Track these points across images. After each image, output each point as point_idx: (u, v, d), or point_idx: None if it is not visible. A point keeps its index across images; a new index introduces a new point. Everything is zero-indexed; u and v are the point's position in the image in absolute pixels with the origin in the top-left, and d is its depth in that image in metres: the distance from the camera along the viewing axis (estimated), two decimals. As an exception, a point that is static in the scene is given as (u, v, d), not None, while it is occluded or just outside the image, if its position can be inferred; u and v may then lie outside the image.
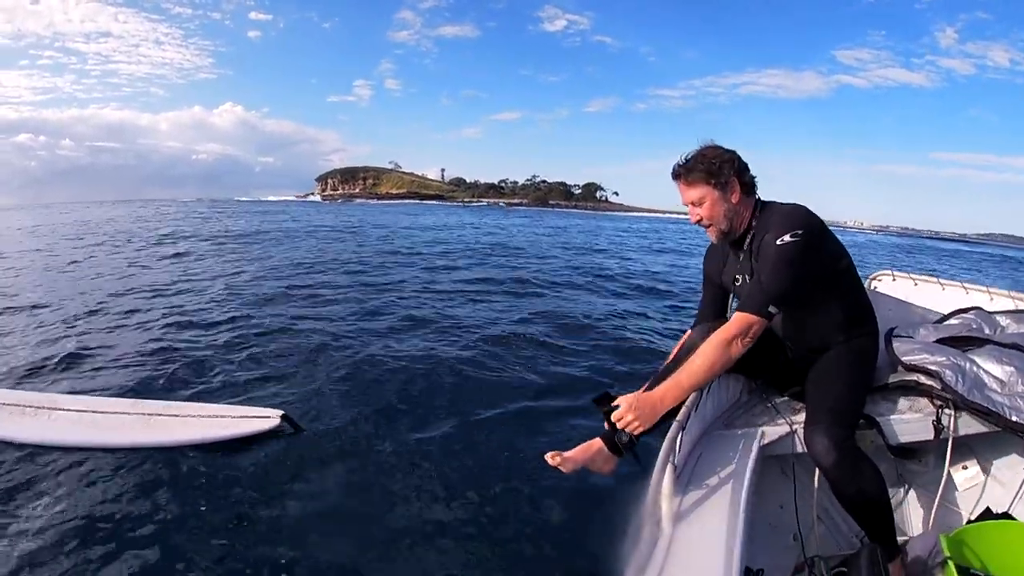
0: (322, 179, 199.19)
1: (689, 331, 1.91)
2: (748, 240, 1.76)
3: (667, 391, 1.54)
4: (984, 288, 2.68)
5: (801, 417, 1.69)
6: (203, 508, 2.45)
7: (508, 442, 3.17)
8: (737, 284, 1.84)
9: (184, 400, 3.53)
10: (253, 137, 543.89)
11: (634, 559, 0.99)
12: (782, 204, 1.77)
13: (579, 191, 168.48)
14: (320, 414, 3.42)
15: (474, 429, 3.33)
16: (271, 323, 5.76)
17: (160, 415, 3.08)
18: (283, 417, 3.00)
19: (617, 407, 1.53)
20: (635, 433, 1.53)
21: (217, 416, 3.05)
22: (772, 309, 1.58)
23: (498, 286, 8.63)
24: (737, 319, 1.60)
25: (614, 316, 6.79)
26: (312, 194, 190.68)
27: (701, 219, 1.77)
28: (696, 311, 2.07)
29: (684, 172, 1.76)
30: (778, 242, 1.60)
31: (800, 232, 1.60)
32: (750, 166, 1.78)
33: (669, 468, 1.20)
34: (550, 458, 1.57)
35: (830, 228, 1.74)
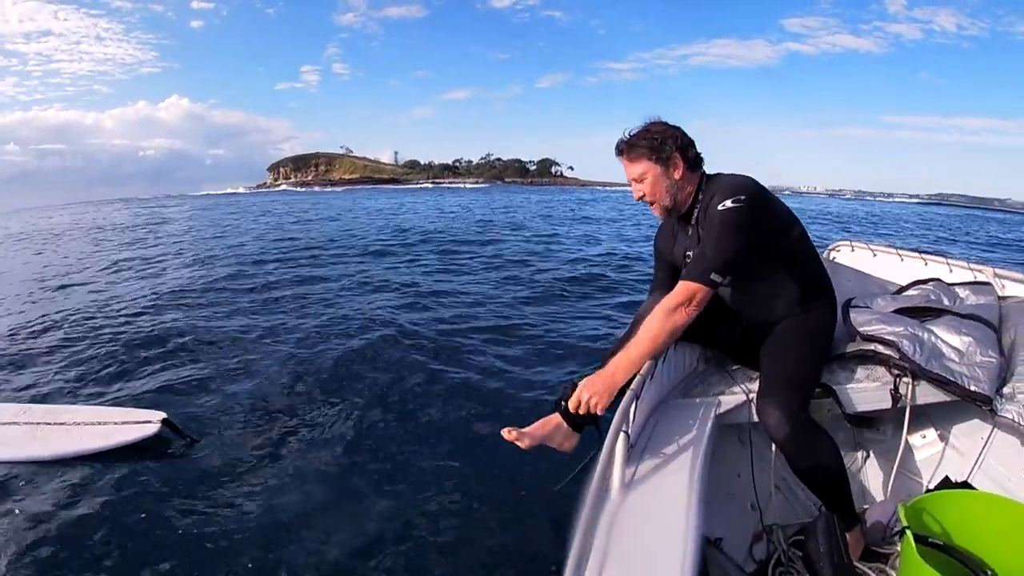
0: (274, 168, 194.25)
1: None
2: (695, 214, 1.70)
3: (618, 365, 1.47)
4: (943, 259, 2.68)
5: (757, 386, 1.66)
6: (88, 522, 2.39)
7: (435, 429, 3.18)
8: (688, 259, 1.76)
9: (73, 402, 3.62)
10: (201, 129, 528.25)
11: (586, 529, 0.94)
12: (727, 175, 1.71)
13: (534, 167, 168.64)
14: (210, 419, 3.33)
15: (388, 425, 3.26)
16: (173, 327, 5.46)
17: (47, 424, 3.09)
18: (164, 421, 2.95)
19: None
20: (596, 411, 1.45)
21: (100, 423, 3.04)
22: (716, 277, 1.51)
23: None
24: (680, 287, 1.53)
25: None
26: (265, 184, 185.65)
27: (644, 195, 1.72)
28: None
29: (626, 148, 1.70)
30: (720, 207, 1.55)
31: (743, 198, 1.54)
32: (696, 140, 1.71)
33: (622, 437, 1.15)
34: (506, 433, 1.47)
35: (784, 194, 1.69)
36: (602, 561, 0.89)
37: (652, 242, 1.98)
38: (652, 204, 1.73)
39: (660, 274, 1.93)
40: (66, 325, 5.69)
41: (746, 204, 1.54)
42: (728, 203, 1.54)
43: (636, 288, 7.11)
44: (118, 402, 3.57)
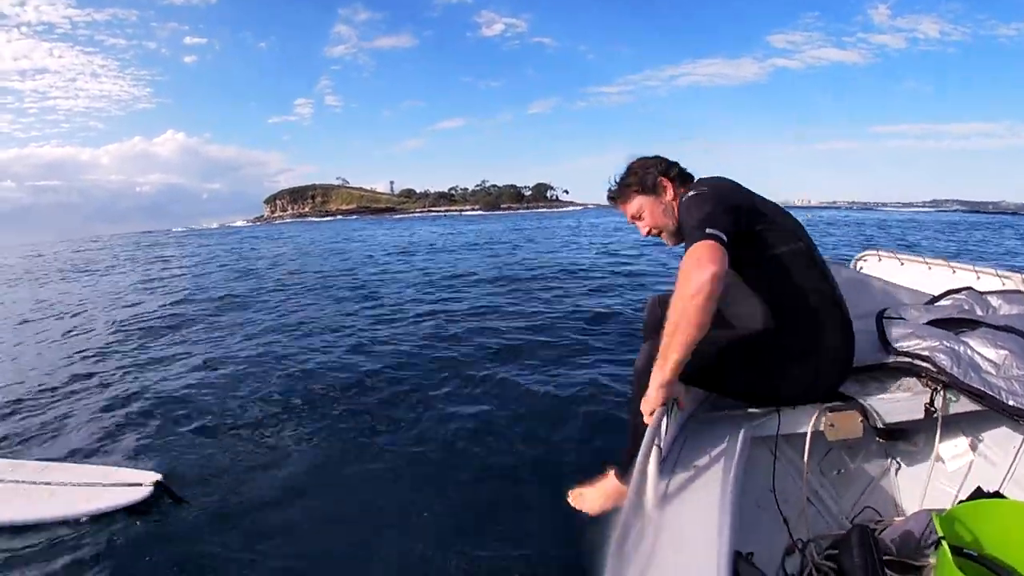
0: (271, 200, 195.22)
1: None
2: None
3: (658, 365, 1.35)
4: (971, 267, 2.69)
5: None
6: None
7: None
8: None
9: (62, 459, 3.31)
10: (197, 164, 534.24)
11: (620, 544, 0.95)
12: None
13: (530, 192, 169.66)
14: (213, 484, 2.96)
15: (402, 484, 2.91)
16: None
17: (33, 483, 2.87)
18: (157, 484, 2.71)
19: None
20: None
21: (87, 484, 2.82)
22: (711, 231, 1.33)
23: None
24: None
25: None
26: (263, 217, 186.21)
27: (650, 229, 1.77)
28: None
29: (617, 194, 1.81)
30: (683, 199, 1.55)
31: (704, 188, 1.55)
32: (688, 159, 1.77)
33: (655, 451, 1.15)
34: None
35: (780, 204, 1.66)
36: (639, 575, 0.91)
37: None
38: (660, 234, 1.77)
39: None
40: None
41: (708, 190, 1.54)
42: (690, 193, 1.55)
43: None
44: (109, 460, 3.24)
